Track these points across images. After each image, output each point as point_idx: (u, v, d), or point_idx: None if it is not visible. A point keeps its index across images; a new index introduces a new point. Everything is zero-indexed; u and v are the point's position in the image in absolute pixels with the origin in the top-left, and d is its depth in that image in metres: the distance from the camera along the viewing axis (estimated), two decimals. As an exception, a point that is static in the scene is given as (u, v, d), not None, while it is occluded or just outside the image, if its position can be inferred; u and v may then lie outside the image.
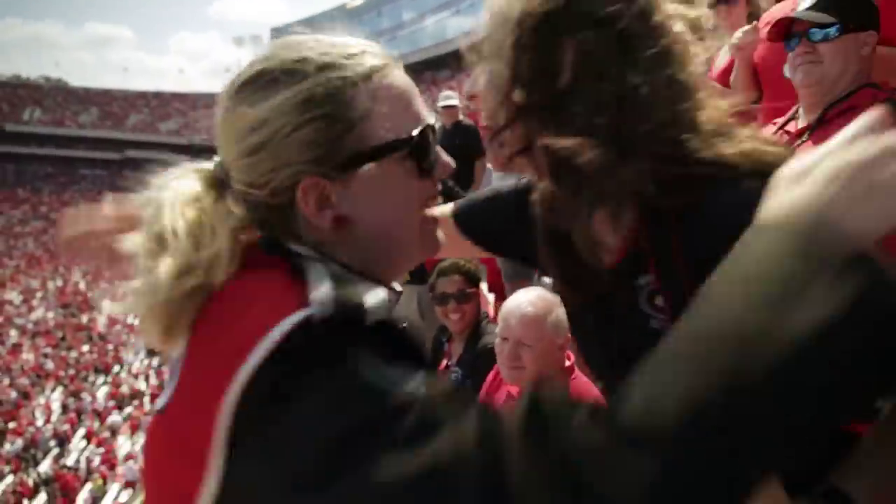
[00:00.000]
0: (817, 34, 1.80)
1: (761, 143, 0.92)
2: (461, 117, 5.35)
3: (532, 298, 2.09)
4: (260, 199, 0.77)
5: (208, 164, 0.82)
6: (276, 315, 0.65)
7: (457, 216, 1.25)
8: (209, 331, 0.72)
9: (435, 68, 45.72)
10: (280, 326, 0.64)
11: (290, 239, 0.77)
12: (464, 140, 5.02)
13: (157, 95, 67.85)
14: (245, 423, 0.63)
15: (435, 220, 0.87)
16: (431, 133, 0.82)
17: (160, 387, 24.06)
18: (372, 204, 0.79)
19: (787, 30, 1.88)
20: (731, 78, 2.97)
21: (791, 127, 1.94)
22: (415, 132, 0.79)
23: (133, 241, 0.77)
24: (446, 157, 0.85)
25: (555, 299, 2.04)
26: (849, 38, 1.78)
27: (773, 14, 2.47)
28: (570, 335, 1.80)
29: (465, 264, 2.99)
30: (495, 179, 4.23)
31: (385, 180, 0.79)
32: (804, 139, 1.83)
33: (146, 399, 23.41)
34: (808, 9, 1.82)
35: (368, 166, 0.77)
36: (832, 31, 1.78)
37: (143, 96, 67.59)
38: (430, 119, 0.83)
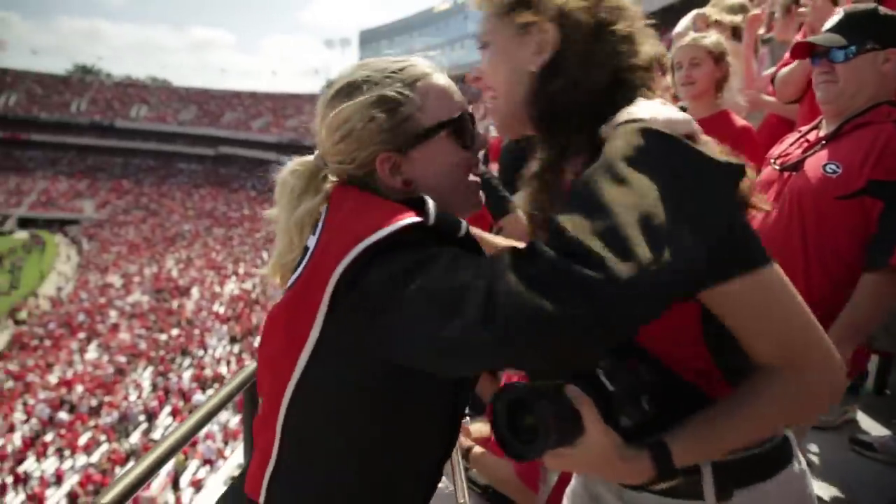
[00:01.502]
0: (837, 55, 1.88)
1: None
2: None
3: None
4: (350, 171, 1.10)
5: (310, 158, 1.17)
6: (394, 218, 0.95)
7: None
8: (333, 232, 1.02)
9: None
10: (393, 226, 0.94)
11: None
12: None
13: (251, 95, 70.86)
14: (348, 281, 0.94)
15: (477, 184, 1.16)
16: (468, 116, 1.12)
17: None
18: (429, 170, 1.10)
19: (812, 48, 1.95)
20: (787, 70, 2.89)
21: (811, 136, 2.01)
22: (455, 115, 1.10)
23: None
24: (482, 134, 1.15)
25: None
26: (865, 58, 1.85)
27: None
28: None
29: None
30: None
31: (437, 152, 1.10)
32: (817, 149, 1.91)
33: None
34: (829, 30, 1.90)
35: (424, 143, 1.09)
36: (848, 52, 1.85)
37: (237, 96, 70.77)
38: (467, 107, 1.13)
